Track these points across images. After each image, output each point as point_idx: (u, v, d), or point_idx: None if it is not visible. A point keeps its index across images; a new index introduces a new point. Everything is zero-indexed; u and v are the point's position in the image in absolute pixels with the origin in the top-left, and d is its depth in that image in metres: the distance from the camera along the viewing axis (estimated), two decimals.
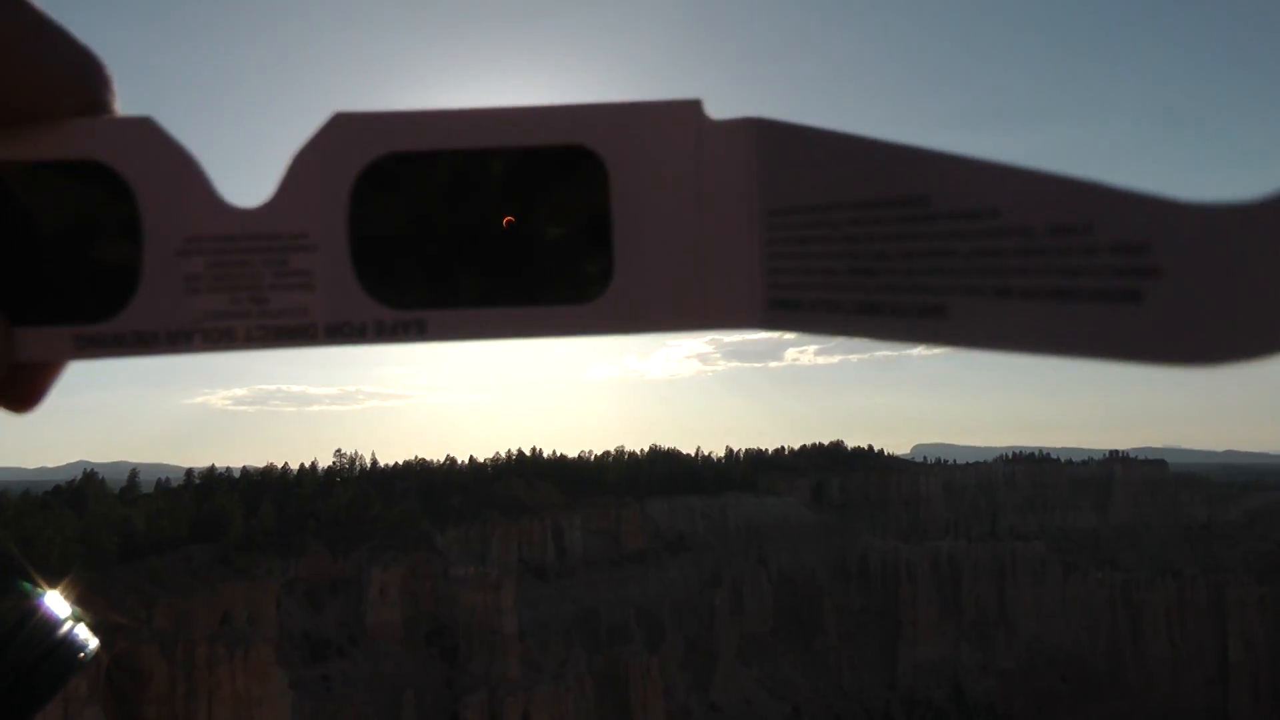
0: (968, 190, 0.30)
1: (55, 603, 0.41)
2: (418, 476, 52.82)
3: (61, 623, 0.40)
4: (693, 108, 0.36)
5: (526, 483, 54.33)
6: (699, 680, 50.65)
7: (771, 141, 0.35)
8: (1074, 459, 79.10)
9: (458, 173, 0.35)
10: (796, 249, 0.34)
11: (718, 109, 0.36)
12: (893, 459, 75.89)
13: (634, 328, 0.36)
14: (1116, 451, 77.12)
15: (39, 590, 0.41)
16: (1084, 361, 0.27)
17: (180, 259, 0.35)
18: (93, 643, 0.41)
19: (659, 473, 61.44)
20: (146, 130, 0.34)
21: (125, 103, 0.34)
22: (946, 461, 76.44)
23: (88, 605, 0.38)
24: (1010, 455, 78.16)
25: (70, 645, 0.40)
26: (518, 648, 42.30)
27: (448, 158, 0.35)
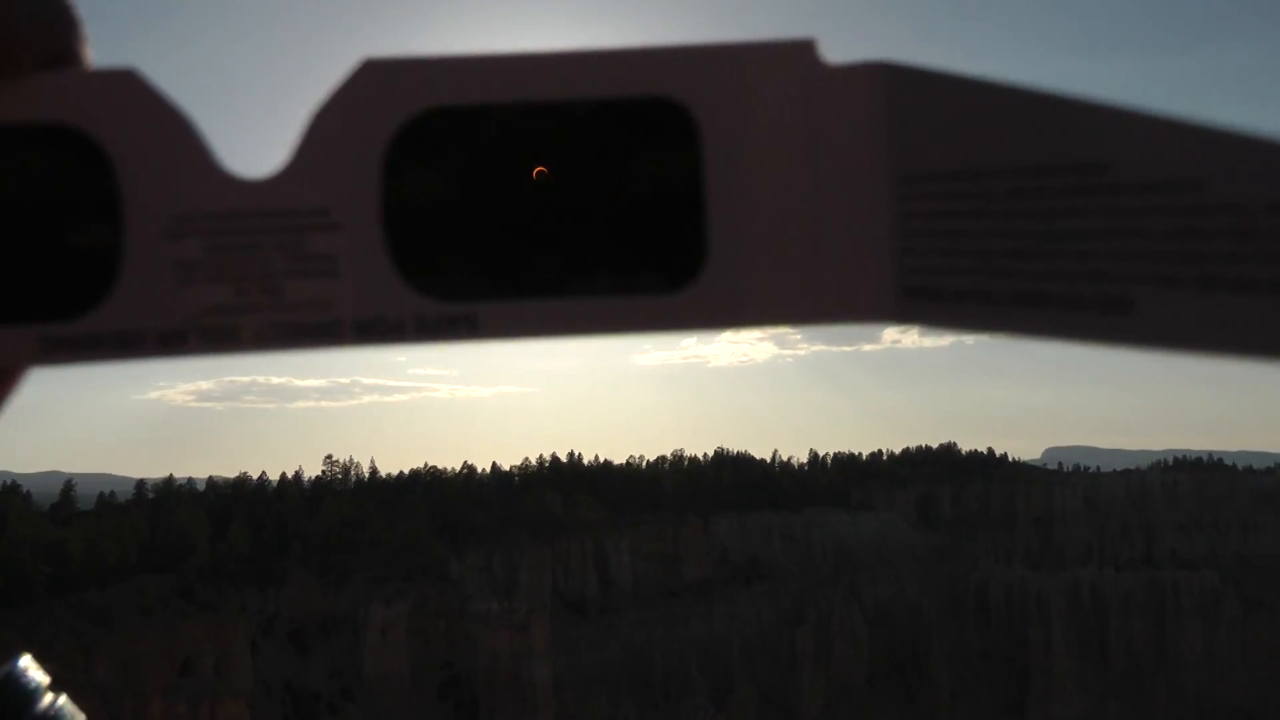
0: (1161, 156, 0.28)
1: (29, 670, 0.39)
2: (428, 489, 51.63)
3: (37, 695, 0.38)
4: (805, 50, 0.33)
5: (563, 496, 52.78)
6: None
7: (904, 91, 0.32)
8: (1255, 465, 75.15)
9: (515, 132, 0.33)
10: (937, 225, 0.32)
11: (836, 51, 0.33)
12: (1020, 466, 73.21)
13: (733, 322, 0.34)
14: None
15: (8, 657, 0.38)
16: None
17: (171, 242, 0.32)
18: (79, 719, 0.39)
19: (726, 483, 59.61)
20: (127, 85, 0.32)
21: (101, 53, 0.32)
22: (1088, 468, 74.52)
23: (5, 650, 0.37)
24: (1171, 460, 74.92)
25: None
26: (552, 702, 41.35)
27: (502, 114, 0.33)
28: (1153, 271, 0.28)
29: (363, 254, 0.33)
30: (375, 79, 0.32)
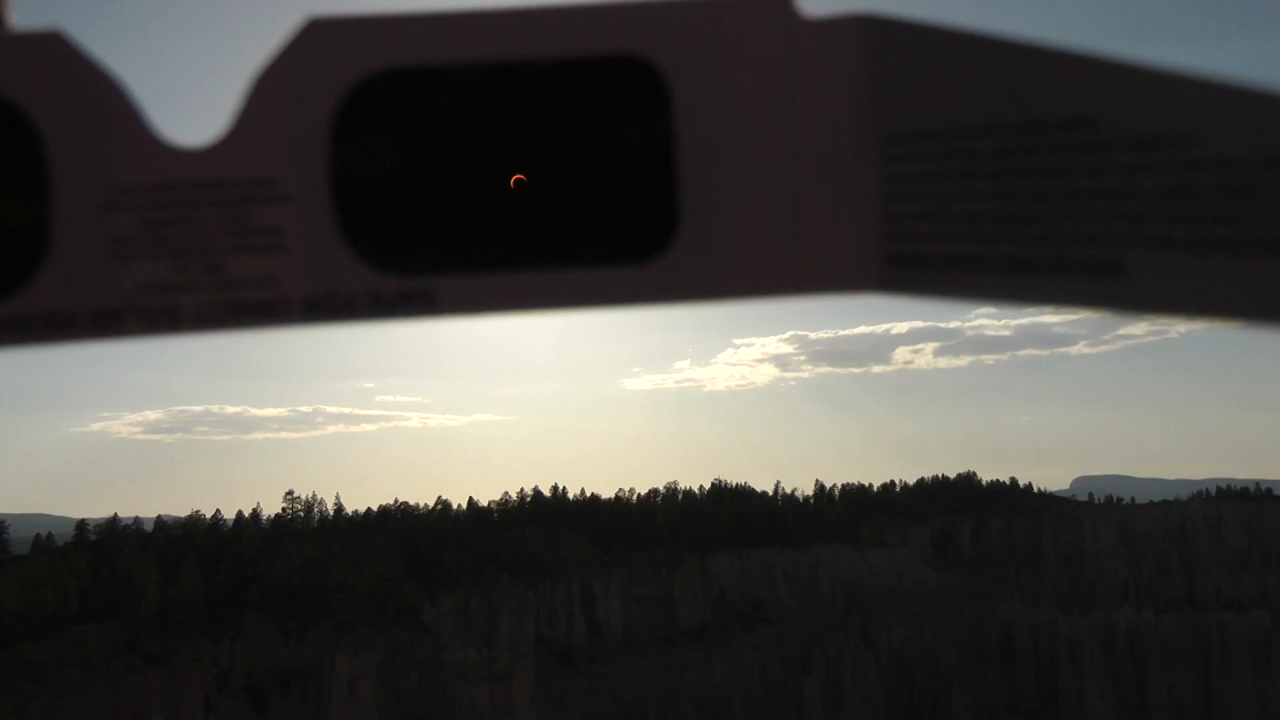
0: (1151, 111, 0.28)
1: None
2: (398, 527, 50.83)
3: None
4: (780, 3, 0.33)
5: (546, 534, 52.00)
6: None
7: (887, 45, 0.32)
8: None
9: (474, 94, 0.32)
10: (924, 187, 0.32)
11: (814, 1, 0.33)
12: (1047, 497, 73.42)
13: (707, 294, 0.33)
14: None
15: None
16: None
17: (105, 216, 0.32)
18: None
19: (725, 518, 59.00)
20: (53, 48, 0.31)
21: (24, 13, 0.31)
22: (1122, 500, 74.01)
23: None
24: (1214, 491, 74.32)
25: None
26: None
27: (460, 75, 0.32)
28: (1144, 233, 0.28)
29: (311, 227, 0.32)
30: (321, 38, 0.32)
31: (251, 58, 0.32)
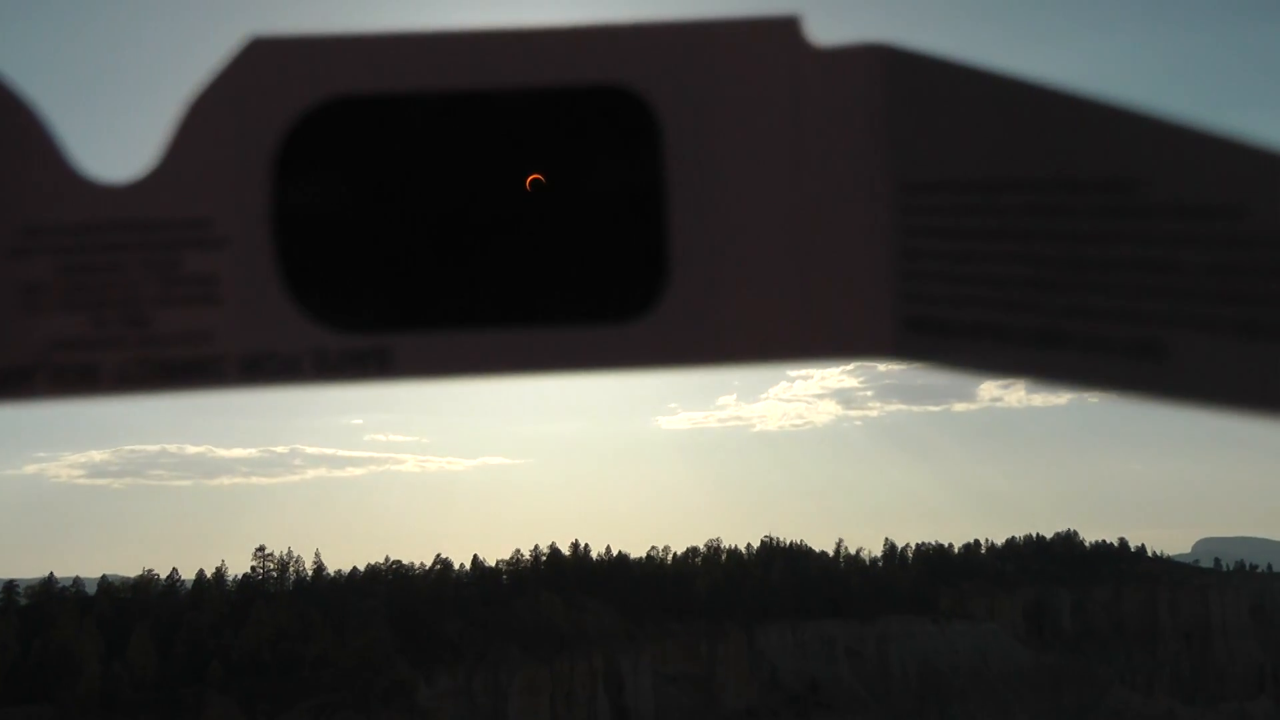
0: (1199, 178, 0.27)
1: None
2: (390, 591, 49.06)
3: None
4: (788, 28, 0.32)
5: (565, 600, 49.83)
6: None
7: (908, 81, 0.31)
8: None
9: (437, 127, 0.31)
10: (945, 244, 0.31)
11: (825, 30, 0.31)
12: (1164, 562, 70.69)
13: (698, 358, 0.32)
14: None
15: None
16: None
17: (16, 261, 0.30)
18: None
19: (777, 583, 56.31)
20: None
21: None
22: (1256, 567, 70.90)
23: None
24: None
25: None
26: None
27: (422, 105, 0.31)
28: (1188, 312, 0.27)
29: (249, 275, 0.31)
30: (265, 61, 0.30)
31: (185, 82, 0.30)
